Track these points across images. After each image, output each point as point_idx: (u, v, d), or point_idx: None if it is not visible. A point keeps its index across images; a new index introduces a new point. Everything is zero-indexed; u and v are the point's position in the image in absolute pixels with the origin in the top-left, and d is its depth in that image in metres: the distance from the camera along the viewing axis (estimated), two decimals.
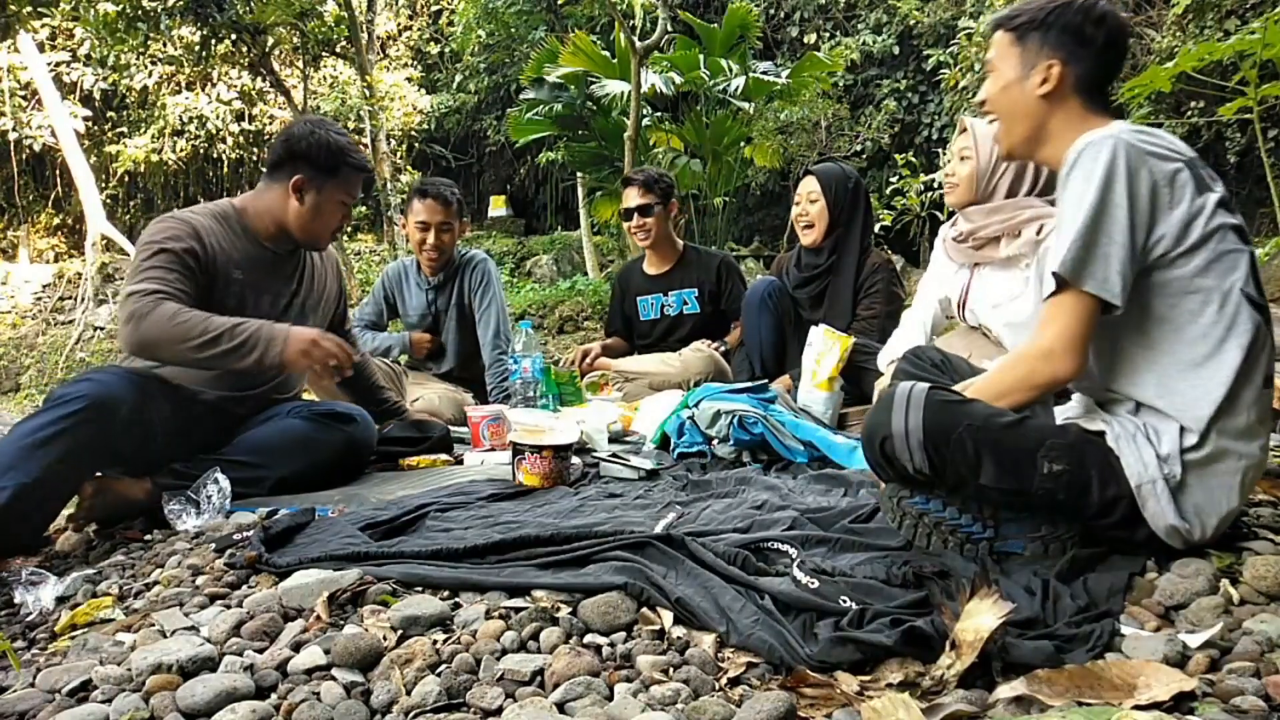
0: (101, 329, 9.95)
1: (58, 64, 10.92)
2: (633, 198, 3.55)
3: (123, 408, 1.82)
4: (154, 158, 11.67)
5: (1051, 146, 1.44)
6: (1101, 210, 1.26)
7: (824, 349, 2.74)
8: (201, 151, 11.99)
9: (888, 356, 2.48)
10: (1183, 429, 1.27)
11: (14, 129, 11.15)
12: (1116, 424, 1.31)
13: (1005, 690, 0.97)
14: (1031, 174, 2.25)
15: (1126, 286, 1.26)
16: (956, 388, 1.41)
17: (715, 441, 2.32)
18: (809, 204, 3.08)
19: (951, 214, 2.47)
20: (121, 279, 10.31)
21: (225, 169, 12.51)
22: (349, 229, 12.43)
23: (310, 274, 2.35)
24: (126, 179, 12.36)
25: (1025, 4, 1.46)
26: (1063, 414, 1.47)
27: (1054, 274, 1.28)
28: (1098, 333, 1.30)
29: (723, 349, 3.47)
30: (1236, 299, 1.26)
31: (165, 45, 8.47)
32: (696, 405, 2.38)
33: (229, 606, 1.31)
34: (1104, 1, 1.42)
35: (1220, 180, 1.33)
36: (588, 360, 3.56)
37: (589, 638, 1.16)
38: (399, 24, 13.09)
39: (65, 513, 1.92)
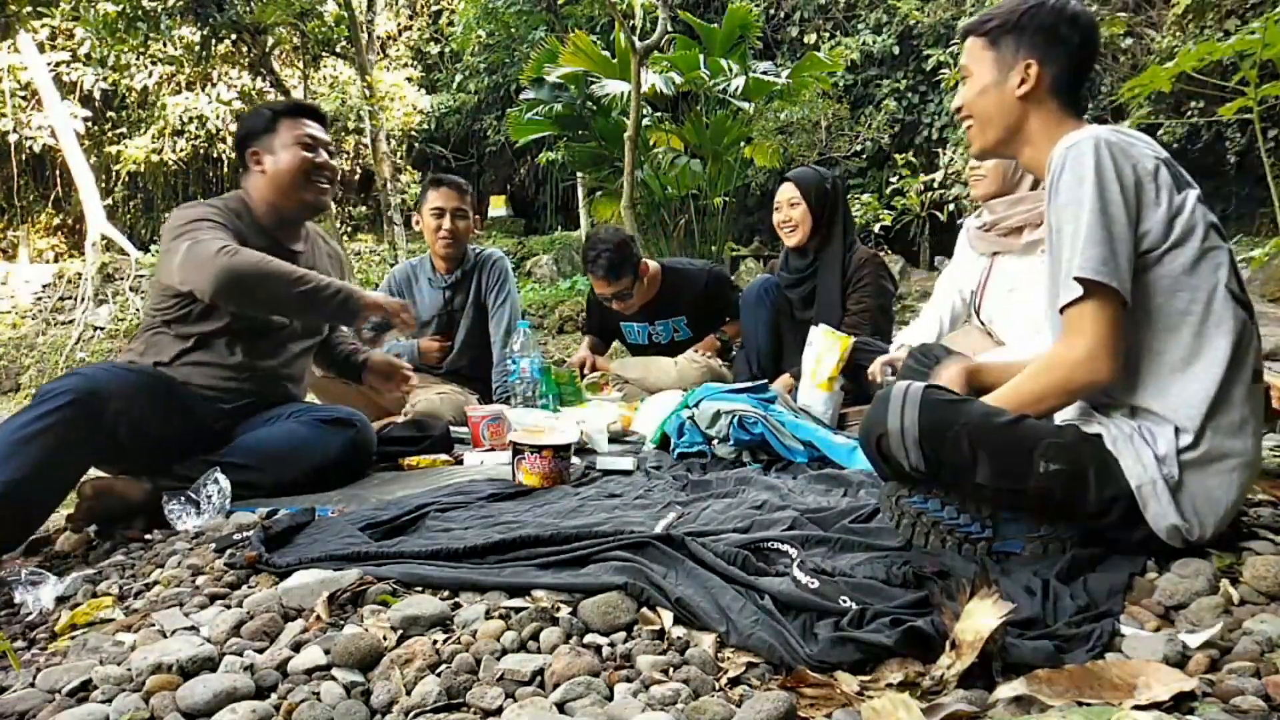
0: (101, 329, 9.94)
1: (58, 64, 10.91)
2: (604, 288, 3.37)
3: (110, 402, 1.81)
4: (154, 158, 11.68)
5: (1031, 148, 1.46)
6: (1102, 208, 1.26)
7: (824, 349, 2.74)
8: (201, 151, 11.99)
9: (899, 342, 2.53)
10: (1178, 429, 1.27)
11: (14, 129, 11.14)
12: (1113, 426, 1.32)
13: (1005, 690, 0.97)
14: None
15: (1130, 281, 1.27)
16: (987, 398, 1.40)
17: (715, 441, 2.32)
18: (790, 209, 3.12)
19: (954, 214, 2.51)
20: (122, 279, 10.31)
21: (225, 169, 12.51)
22: (348, 228, 12.43)
23: (313, 268, 2.33)
24: (127, 179, 12.36)
25: (995, 9, 1.48)
26: (1059, 419, 1.48)
27: (1079, 279, 1.26)
28: None
29: (723, 339, 3.47)
30: (1222, 295, 1.28)
31: (165, 45, 8.46)
32: (696, 405, 2.38)
33: (229, 606, 1.31)
34: (1075, 1, 1.43)
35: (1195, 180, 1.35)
36: (586, 368, 3.56)
37: (589, 638, 1.16)
38: (399, 24, 13.10)
39: (64, 512, 1.92)
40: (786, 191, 3.14)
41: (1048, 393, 1.34)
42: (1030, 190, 2.33)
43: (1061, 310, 1.31)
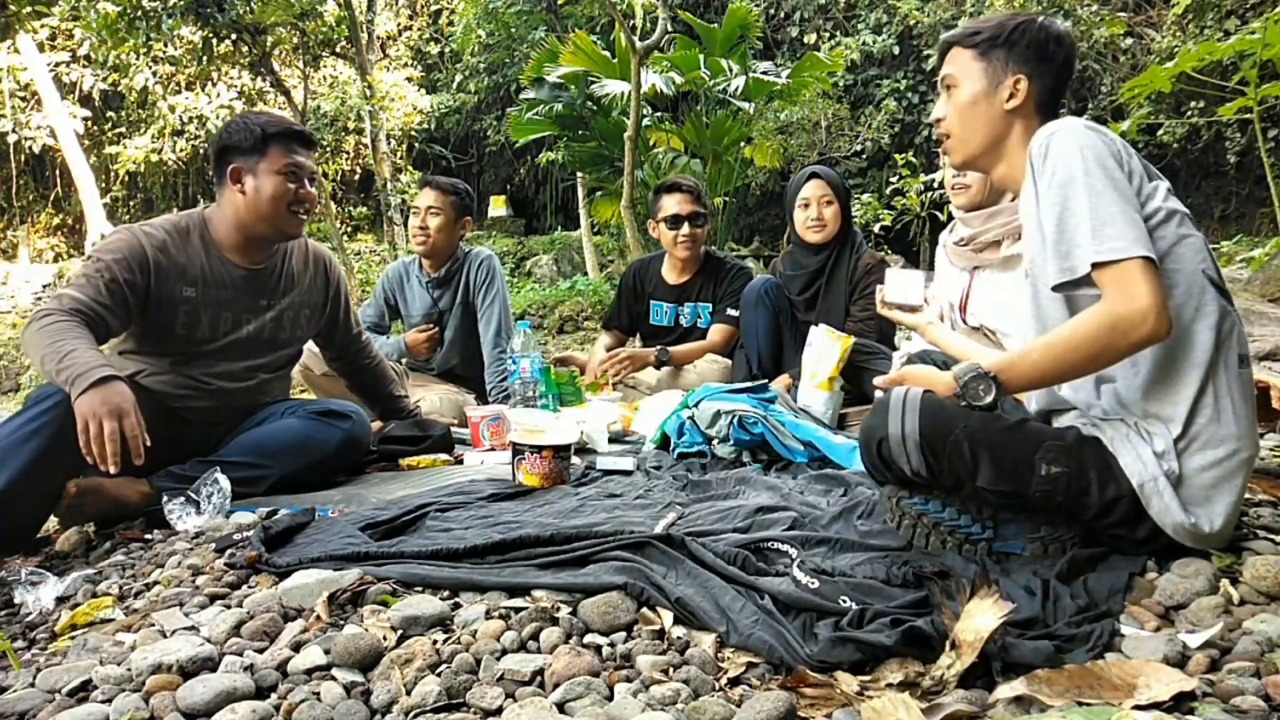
0: None
1: (58, 64, 10.92)
2: (685, 204, 3.36)
3: None
4: (154, 158, 11.68)
5: (1006, 162, 1.49)
6: (1102, 178, 1.25)
7: (824, 349, 2.74)
8: (201, 151, 11.99)
9: (903, 353, 2.51)
10: (1169, 422, 1.27)
11: (14, 129, 11.15)
12: (1109, 427, 1.31)
13: (1005, 690, 0.97)
14: None
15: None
16: (1015, 350, 1.39)
17: (715, 441, 2.32)
18: (824, 206, 3.09)
19: (950, 218, 2.49)
20: None
21: None
22: (348, 228, 12.44)
23: (291, 289, 2.28)
24: (126, 179, 12.37)
25: (983, 22, 1.51)
26: (1058, 423, 1.47)
27: (1107, 253, 1.22)
28: None
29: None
30: (1201, 282, 1.27)
31: (166, 46, 8.46)
32: (696, 405, 2.38)
33: (229, 606, 1.31)
34: (1057, 22, 1.48)
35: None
36: (627, 363, 3.37)
37: (589, 638, 1.16)
38: (399, 24, 13.10)
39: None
40: (819, 189, 3.10)
41: (1103, 351, 1.25)
42: (1009, 202, 2.28)
43: (1093, 267, 1.23)
